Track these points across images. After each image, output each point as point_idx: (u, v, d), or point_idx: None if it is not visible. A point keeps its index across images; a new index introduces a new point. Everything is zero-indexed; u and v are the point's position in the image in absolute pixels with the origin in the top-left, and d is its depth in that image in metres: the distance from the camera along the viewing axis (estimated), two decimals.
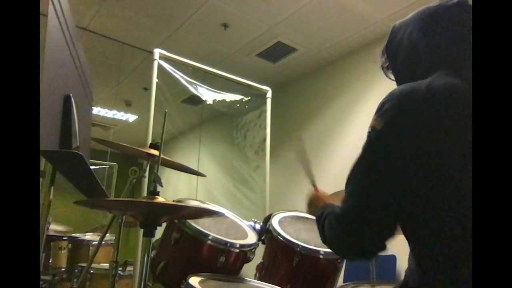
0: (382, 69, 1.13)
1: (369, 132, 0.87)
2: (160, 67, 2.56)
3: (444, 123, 0.77)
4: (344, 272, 1.71)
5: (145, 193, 2.12)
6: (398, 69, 1.01)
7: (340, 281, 1.52)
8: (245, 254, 1.41)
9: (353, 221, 0.82)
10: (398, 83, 1.01)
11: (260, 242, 1.50)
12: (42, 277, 2.40)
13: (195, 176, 3.70)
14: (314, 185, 1.22)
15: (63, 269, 2.58)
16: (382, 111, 0.86)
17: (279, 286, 1.29)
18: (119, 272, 1.86)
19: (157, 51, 2.55)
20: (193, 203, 1.61)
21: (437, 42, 0.93)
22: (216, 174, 5.17)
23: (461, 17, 0.93)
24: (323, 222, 0.93)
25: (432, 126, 0.78)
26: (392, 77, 1.09)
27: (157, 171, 1.41)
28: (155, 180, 1.14)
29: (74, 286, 2.25)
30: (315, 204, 1.10)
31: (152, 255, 1.36)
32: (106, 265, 2.20)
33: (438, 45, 0.93)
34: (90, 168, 0.98)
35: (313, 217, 1.64)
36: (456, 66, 0.92)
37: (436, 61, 0.92)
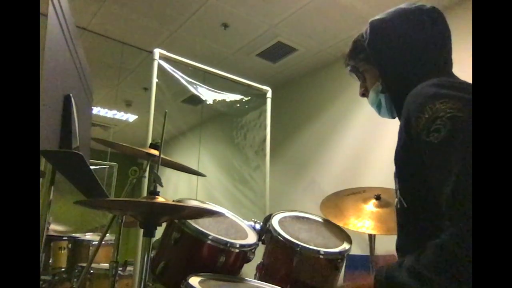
0: (354, 69, 1.10)
1: (448, 117, 0.75)
2: (160, 67, 2.56)
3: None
4: (344, 272, 1.71)
5: (145, 193, 2.12)
6: (385, 66, 1.00)
7: (340, 281, 1.52)
8: (245, 254, 1.40)
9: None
10: (386, 80, 1.00)
11: (260, 242, 1.50)
12: (42, 277, 2.40)
13: (195, 176, 3.70)
14: None
15: (63, 269, 2.57)
16: (445, 94, 0.79)
17: (279, 286, 1.29)
18: (119, 272, 1.87)
19: (157, 51, 2.55)
20: (193, 203, 1.61)
21: (430, 42, 0.95)
22: (216, 174, 5.17)
23: (440, 19, 0.97)
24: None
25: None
26: (366, 77, 1.06)
27: (157, 171, 1.41)
28: (155, 180, 1.14)
29: (74, 286, 2.25)
30: None
31: (152, 255, 1.36)
32: (106, 265, 2.20)
33: (431, 45, 0.95)
34: (90, 168, 0.98)
35: (314, 217, 1.65)
36: (447, 66, 0.94)
37: (432, 60, 0.94)
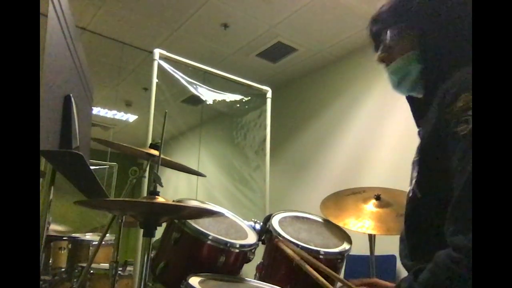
0: (380, 32, 0.99)
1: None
2: (160, 67, 2.56)
3: None
4: (344, 272, 1.71)
5: (145, 193, 2.12)
6: (431, 36, 0.90)
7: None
8: (245, 254, 1.40)
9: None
10: (427, 51, 0.91)
11: (260, 242, 1.50)
12: (42, 277, 2.40)
13: (195, 176, 3.70)
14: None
15: (63, 269, 2.57)
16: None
17: (279, 286, 1.29)
18: (119, 272, 1.86)
19: (157, 51, 2.55)
20: (193, 203, 1.61)
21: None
22: (216, 174, 5.17)
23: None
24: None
25: None
26: (397, 44, 0.96)
27: (157, 171, 1.41)
28: (155, 180, 1.14)
29: (74, 286, 2.24)
30: None
31: (152, 255, 1.36)
32: (106, 265, 2.20)
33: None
34: (90, 168, 0.98)
35: (314, 217, 1.65)
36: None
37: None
